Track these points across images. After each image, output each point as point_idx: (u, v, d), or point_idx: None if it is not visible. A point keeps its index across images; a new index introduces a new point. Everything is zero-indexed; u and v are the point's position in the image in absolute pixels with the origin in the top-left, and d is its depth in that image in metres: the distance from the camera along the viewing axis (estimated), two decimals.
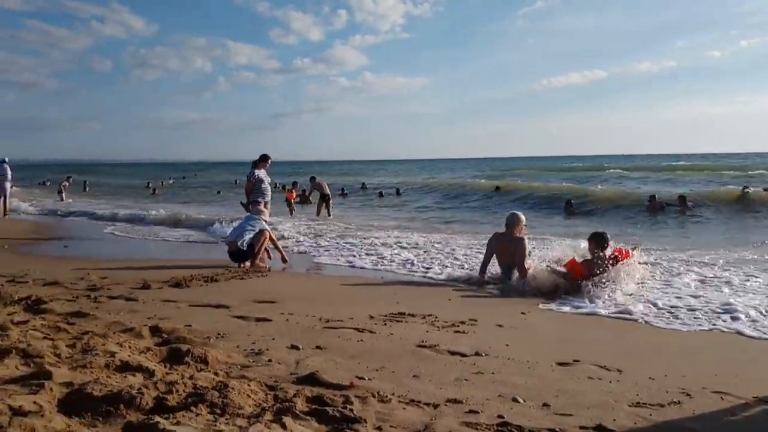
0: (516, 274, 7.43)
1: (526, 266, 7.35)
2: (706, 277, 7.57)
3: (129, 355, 3.62)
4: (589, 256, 7.10)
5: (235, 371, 3.54)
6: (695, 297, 6.44)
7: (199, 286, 6.84)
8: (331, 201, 18.80)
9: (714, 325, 5.41)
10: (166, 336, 4.29)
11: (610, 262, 6.88)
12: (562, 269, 7.07)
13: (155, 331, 4.41)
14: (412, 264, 8.92)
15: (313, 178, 19.62)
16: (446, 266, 8.67)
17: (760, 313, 5.69)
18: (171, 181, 49.40)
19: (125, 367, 3.38)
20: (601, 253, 7.01)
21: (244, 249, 8.59)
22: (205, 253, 10.02)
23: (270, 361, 3.85)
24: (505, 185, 27.54)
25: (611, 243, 7.24)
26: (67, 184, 27.79)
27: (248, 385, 3.08)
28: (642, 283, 7.01)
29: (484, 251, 7.86)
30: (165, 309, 5.48)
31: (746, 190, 18.84)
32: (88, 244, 11.49)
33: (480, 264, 7.78)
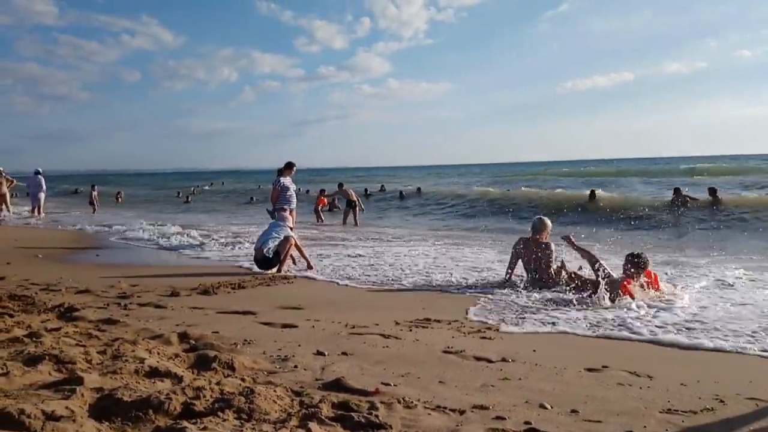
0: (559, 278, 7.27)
1: (552, 271, 7.32)
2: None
3: (158, 361, 3.67)
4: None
5: (261, 377, 3.57)
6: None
7: (226, 294, 6.92)
8: (357, 209, 18.71)
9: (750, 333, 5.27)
10: (193, 342, 4.35)
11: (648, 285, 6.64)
12: (616, 288, 6.63)
13: (183, 337, 4.47)
14: (436, 271, 8.87)
15: (340, 185, 19.69)
16: (473, 272, 8.62)
17: None
18: (205, 187, 50.46)
19: (154, 373, 3.44)
20: (640, 278, 6.64)
21: (270, 256, 8.67)
22: (232, 260, 10.12)
23: (296, 367, 3.87)
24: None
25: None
26: (95, 193, 26.83)
27: (274, 390, 3.10)
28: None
29: (510, 256, 7.81)
30: (193, 316, 5.55)
31: None
32: (118, 253, 11.71)
33: (506, 269, 7.74)
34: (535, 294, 7.08)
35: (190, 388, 3.09)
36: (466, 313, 5.95)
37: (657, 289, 6.68)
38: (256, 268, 8.85)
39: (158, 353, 3.94)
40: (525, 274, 7.59)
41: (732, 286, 7.24)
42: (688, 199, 17.12)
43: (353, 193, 18.91)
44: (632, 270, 6.64)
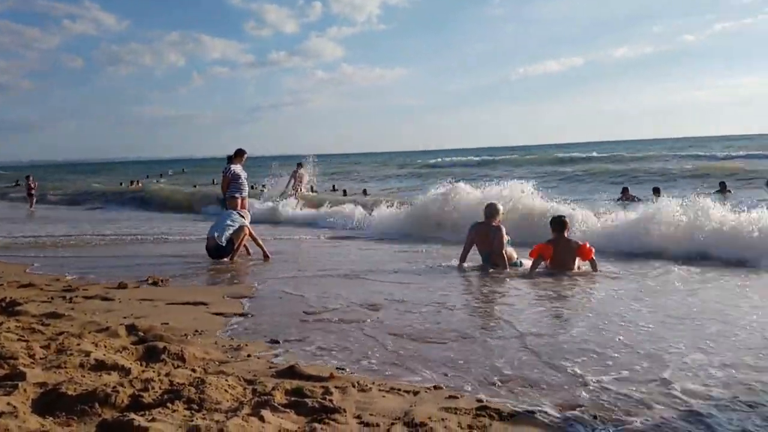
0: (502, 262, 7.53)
1: (505, 254, 7.50)
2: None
3: (104, 354, 3.57)
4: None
5: (212, 367, 3.51)
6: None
7: (176, 284, 6.76)
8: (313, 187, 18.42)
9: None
10: (142, 334, 4.24)
11: (574, 248, 7.16)
12: (528, 262, 7.44)
13: (131, 329, 4.35)
14: (393, 252, 8.91)
15: (299, 164, 19.22)
16: (431, 256, 8.69)
17: None
18: (167, 175, 48.62)
19: (100, 366, 3.34)
20: (561, 237, 7.27)
21: (223, 245, 8.50)
22: (182, 250, 9.90)
23: (249, 356, 3.83)
24: None
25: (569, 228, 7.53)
26: (33, 186, 24.77)
27: (226, 380, 3.06)
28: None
29: (465, 240, 7.92)
30: (142, 308, 5.41)
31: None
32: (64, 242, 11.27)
33: (461, 252, 7.85)
34: (489, 274, 7.22)
35: (138, 380, 3.01)
36: (423, 295, 5.98)
37: (589, 255, 7.12)
38: (208, 258, 8.66)
39: (105, 346, 3.83)
40: (480, 256, 7.74)
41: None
42: (635, 198, 17.76)
43: (305, 178, 18.66)
44: (554, 231, 7.34)
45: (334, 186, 28.40)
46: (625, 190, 18.41)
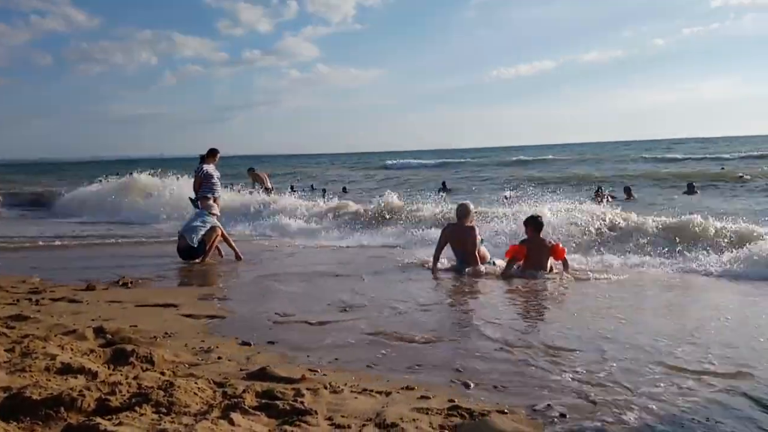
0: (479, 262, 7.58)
1: (479, 254, 7.54)
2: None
3: (71, 358, 3.49)
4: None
5: (182, 370, 3.46)
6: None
7: (146, 286, 6.66)
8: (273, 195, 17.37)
9: None
10: (110, 337, 4.16)
11: (548, 248, 7.20)
12: (501, 262, 7.57)
13: (99, 332, 4.26)
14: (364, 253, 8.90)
15: (251, 170, 18.43)
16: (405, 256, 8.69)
17: None
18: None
19: (66, 370, 3.26)
20: (536, 236, 7.33)
21: (195, 245, 8.37)
22: (154, 251, 9.74)
23: (219, 358, 3.78)
24: None
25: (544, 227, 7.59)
26: None
27: (196, 383, 3.01)
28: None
29: (438, 240, 7.95)
30: (110, 310, 5.31)
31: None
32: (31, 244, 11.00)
33: (434, 252, 7.87)
34: (463, 275, 7.26)
35: (105, 383, 2.95)
36: (397, 296, 5.98)
37: (562, 255, 7.20)
38: (179, 259, 8.53)
39: (72, 349, 3.74)
40: (454, 256, 7.77)
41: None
42: (609, 198, 18.05)
43: (267, 179, 17.80)
44: (529, 231, 7.40)
45: (292, 186, 27.79)
46: (599, 190, 18.67)
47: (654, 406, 3.05)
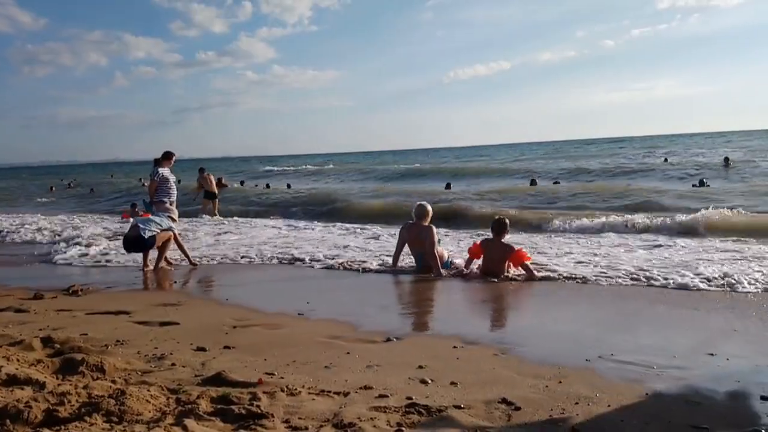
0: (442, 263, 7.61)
1: (436, 253, 7.57)
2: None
3: (17, 369, 3.36)
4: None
5: (134, 378, 3.38)
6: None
7: (97, 293, 6.47)
8: (217, 199, 17.08)
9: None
10: (59, 346, 4.03)
11: (506, 249, 7.18)
12: (458, 261, 7.65)
13: (47, 342, 4.12)
14: (321, 257, 8.86)
15: (201, 170, 17.71)
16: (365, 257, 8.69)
17: None
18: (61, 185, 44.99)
19: (12, 381, 3.15)
20: (495, 238, 7.37)
21: (146, 237, 8.00)
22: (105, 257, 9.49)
23: (173, 365, 3.71)
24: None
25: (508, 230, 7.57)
26: None
27: (148, 390, 2.95)
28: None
29: (396, 242, 7.99)
30: (59, 319, 5.14)
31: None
32: None
33: (393, 253, 7.91)
34: (421, 275, 7.31)
35: (54, 394, 2.86)
36: (353, 298, 6.00)
37: (515, 264, 7.10)
38: (133, 266, 8.32)
39: (18, 360, 3.61)
40: (412, 257, 7.81)
41: None
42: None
43: (214, 182, 17.16)
44: (492, 232, 7.46)
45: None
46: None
47: (604, 398, 3.13)
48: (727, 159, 25.25)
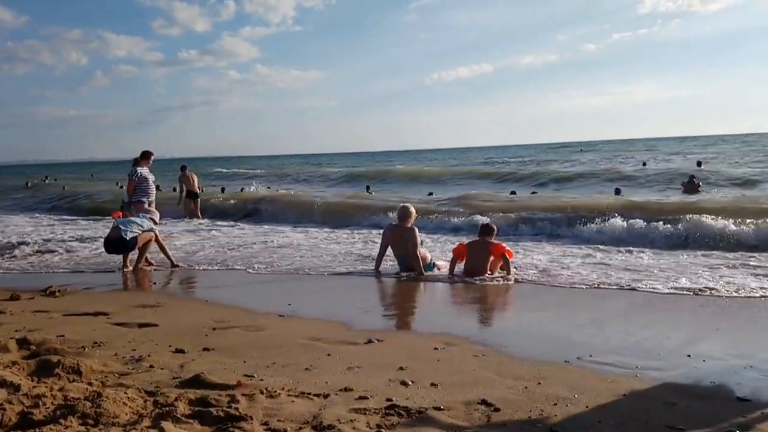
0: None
1: (419, 255, 7.57)
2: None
3: None
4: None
5: (111, 380, 3.34)
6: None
7: (75, 294, 6.39)
8: (200, 199, 16.65)
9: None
10: (34, 348, 3.96)
11: (489, 245, 7.23)
12: (441, 263, 7.70)
13: (23, 343, 4.06)
14: (301, 257, 8.82)
15: (183, 168, 17.08)
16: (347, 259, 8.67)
17: None
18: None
19: None
20: (480, 238, 7.40)
21: (127, 239, 7.90)
22: (83, 259, 9.36)
23: (151, 366, 3.67)
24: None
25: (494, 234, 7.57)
26: None
27: (125, 392, 2.92)
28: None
29: (380, 242, 7.98)
30: (36, 320, 5.07)
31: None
32: None
33: (377, 254, 7.90)
34: (404, 276, 7.31)
35: (28, 396, 2.83)
36: (336, 300, 5.98)
37: (496, 257, 7.17)
38: (111, 267, 8.21)
39: None
40: (395, 258, 7.80)
41: None
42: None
43: (195, 181, 16.72)
44: (479, 235, 7.52)
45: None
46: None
47: (582, 399, 3.16)
48: (699, 162, 25.49)
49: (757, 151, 38.30)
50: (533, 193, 18.78)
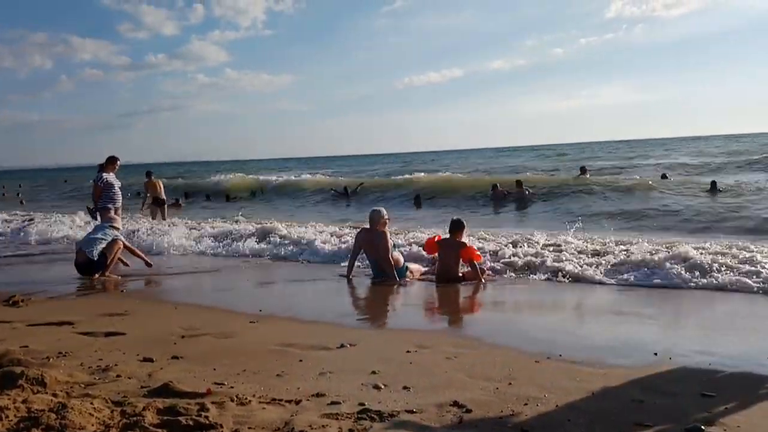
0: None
1: (391, 259, 7.55)
2: None
3: None
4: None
5: (77, 390, 3.26)
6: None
7: (39, 304, 6.21)
8: (166, 206, 16.32)
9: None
10: None
11: (459, 247, 7.25)
12: (414, 266, 7.73)
13: None
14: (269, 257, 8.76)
15: (149, 173, 16.76)
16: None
17: None
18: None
19: None
20: (451, 236, 7.43)
21: (95, 259, 7.86)
22: (46, 267, 9.15)
23: (118, 376, 3.59)
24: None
25: (466, 230, 7.62)
26: None
27: (91, 403, 2.85)
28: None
29: (352, 246, 7.97)
30: None
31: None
32: None
33: (349, 258, 7.88)
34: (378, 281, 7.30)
35: None
36: (305, 304, 5.95)
37: (464, 260, 7.21)
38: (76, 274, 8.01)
39: None
40: (368, 262, 7.80)
41: None
42: (505, 192, 18.74)
43: (161, 187, 16.36)
44: (449, 231, 7.52)
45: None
46: (494, 187, 19.31)
47: (552, 398, 3.20)
48: (664, 175, 21.71)
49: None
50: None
